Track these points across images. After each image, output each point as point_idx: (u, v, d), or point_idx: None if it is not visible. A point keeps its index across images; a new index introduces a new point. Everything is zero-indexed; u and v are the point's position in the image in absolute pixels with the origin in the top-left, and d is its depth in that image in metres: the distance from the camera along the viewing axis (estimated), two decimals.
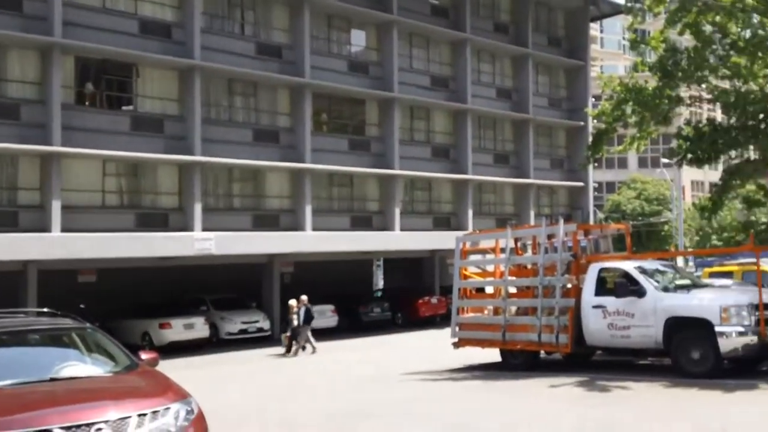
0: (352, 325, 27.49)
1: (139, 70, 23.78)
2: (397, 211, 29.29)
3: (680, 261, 43.26)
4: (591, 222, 35.66)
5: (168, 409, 5.77)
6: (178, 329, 23.37)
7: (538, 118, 34.81)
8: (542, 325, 14.03)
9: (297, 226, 26.62)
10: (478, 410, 10.77)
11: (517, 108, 34.37)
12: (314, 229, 26.64)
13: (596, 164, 39.36)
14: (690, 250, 44.84)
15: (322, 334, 25.40)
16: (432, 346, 19.19)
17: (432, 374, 14.87)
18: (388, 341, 24.53)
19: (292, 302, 21.72)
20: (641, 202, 55.19)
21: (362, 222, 29.06)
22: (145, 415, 5.58)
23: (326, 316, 26.78)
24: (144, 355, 7.13)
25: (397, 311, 29.37)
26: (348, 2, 28.20)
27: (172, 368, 9.12)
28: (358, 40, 29.81)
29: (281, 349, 21.79)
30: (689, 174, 58.20)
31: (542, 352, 14.82)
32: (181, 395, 6.06)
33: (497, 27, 34.29)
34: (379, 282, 38.43)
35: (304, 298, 21.66)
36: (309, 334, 21.41)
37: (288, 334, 21.72)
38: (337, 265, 29.77)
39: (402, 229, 29.29)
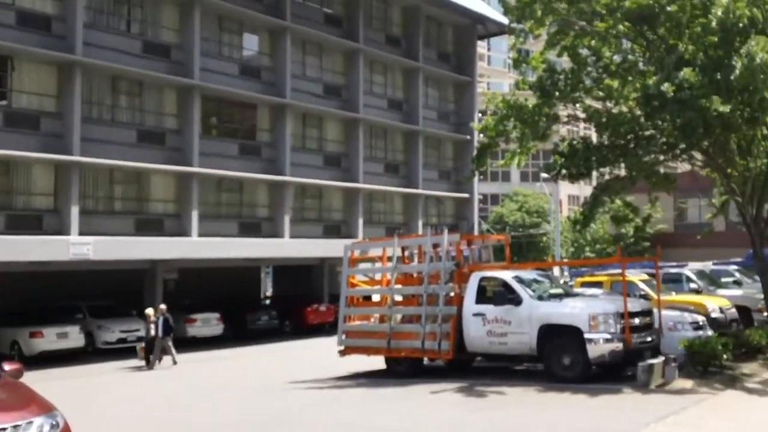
0: (238, 334, 26.97)
1: (14, 64, 22.43)
2: (287, 218, 29.10)
3: (557, 271, 45.37)
4: (476, 232, 36.82)
5: (30, 423, 5.49)
6: (50, 338, 22.12)
7: (427, 130, 35.62)
8: (426, 332, 14.35)
9: (182, 231, 25.89)
10: (358, 417, 10.88)
11: (408, 119, 35.04)
12: (201, 234, 25.98)
13: (481, 177, 40.70)
14: (565, 260, 47.11)
15: (207, 343, 24.85)
16: (319, 355, 19.19)
17: (317, 382, 14.87)
18: (275, 349, 24.29)
19: (149, 311, 20.67)
20: (522, 214, 57.51)
21: (251, 228, 28.65)
22: (5, 429, 5.28)
23: (211, 324, 26.20)
24: (6, 366, 6.73)
25: (285, 319, 29.11)
26: (241, 5, 27.83)
27: (42, 379, 8.66)
28: (251, 44, 29.45)
29: (140, 362, 20.58)
30: (566, 188, 61.21)
31: (426, 358, 15.15)
32: (46, 408, 5.77)
33: (389, 39, 34.86)
34: (268, 289, 37.96)
35: (162, 307, 20.63)
36: (170, 344, 20.29)
37: (143, 345, 20.68)
38: (225, 272, 29.19)
39: (292, 237, 29.11)
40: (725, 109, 12.21)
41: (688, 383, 12.00)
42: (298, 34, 29.98)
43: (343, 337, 15.95)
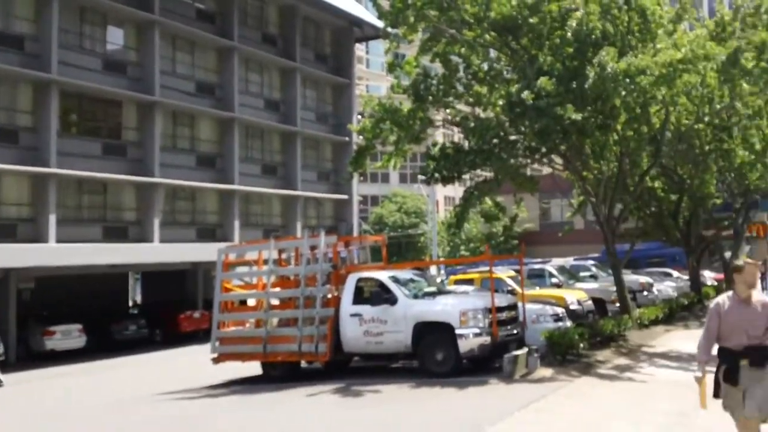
0: (103, 345, 25.67)
1: None
2: (157, 222, 28.16)
3: (434, 270, 46.68)
4: (356, 233, 37.20)
5: None
6: None
7: (305, 131, 35.63)
8: (303, 335, 14.39)
9: (38, 237, 24.38)
10: (231, 425, 10.80)
11: (285, 120, 34.89)
12: (59, 240, 24.56)
13: (361, 178, 41.15)
14: (441, 259, 48.58)
15: (69, 357, 23.49)
16: (193, 363, 18.74)
17: (188, 392, 14.50)
18: (144, 360, 23.41)
19: None
20: (401, 215, 58.67)
21: (117, 233, 27.49)
22: None
23: (72, 336, 24.77)
24: None
25: (155, 328, 28.07)
26: None
27: None
28: (115, 38, 28.24)
29: None
30: (443, 190, 63.04)
31: (303, 362, 15.19)
32: None
33: (266, 38, 34.57)
34: (137, 297, 36.54)
35: None
36: None
37: None
38: (88, 280, 27.76)
39: (162, 241, 28.19)
40: (578, 116, 13.11)
41: (548, 372, 12.79)
42: (167, 28, 29.12)
43: (217, 344, 15.67)
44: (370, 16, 38.08)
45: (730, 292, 6.20)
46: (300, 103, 35.36)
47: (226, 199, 31.75)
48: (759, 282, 19.97)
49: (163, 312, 28.54)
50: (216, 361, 15.68)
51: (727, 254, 34.03)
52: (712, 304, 6.27)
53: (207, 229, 31.30)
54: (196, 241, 30.12)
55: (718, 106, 19.39)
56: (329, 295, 14.55)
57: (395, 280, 14.45)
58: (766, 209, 41.83)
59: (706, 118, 20.22)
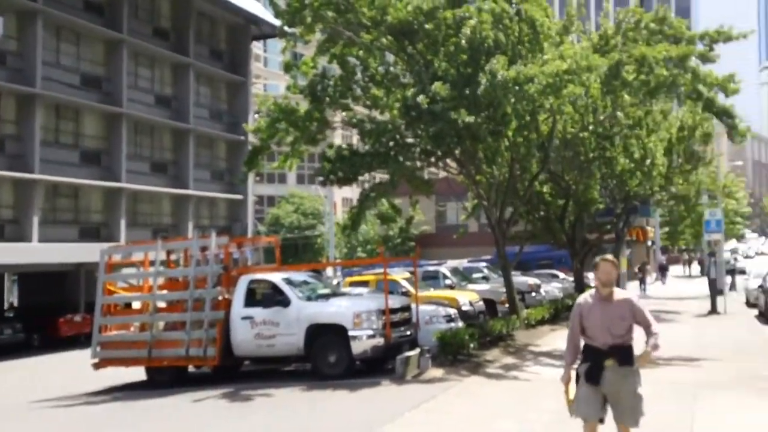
0: None
1: None
2: (36, 220, 26.55)
3: (331, 271, 46.57)
4: (250, 235, 36.54)
5: None
6: None
7: (198, 128, 34.66)
8: (191, 339, 13.94)
9: None
10: None
11: (177, 117, 33.81)
12: None
13: (257, 178, 40.56)
14: (338, 261, 48.57)
15: None
16: (73, 370, 17.77)
17: (65, 400, 13.72)
18: (20, 366, 21.99)
19: None
20: (299, 216, 58.16)
21: None
22: None
23: None
24: None
25: (33, 332, 26.45)
26: None
27: None
28: None
29: None
30: (341, 192, 63.08)
31: (191, 366, 14.72)
32: None
33: (157, 32, 33.38)
34: (14, 299, 34.36)
35: None
36: None
37: None
38: None
39: (41, 240, 26.61)
40: (471, 119, 13.40)
41: (439, 372, 12.98)
42: (51, 18, 27.58)
43: (98, 348, 14.93)
44: (267, 14, 37.54)
45: (593, 291, 6.07)
46: (193, 100, 34.36)
47: (111, 197, 30.38)
48: (641, 281, 20.80)
49: (41, 315, 26.91)
50: (97, 366, 14.94)
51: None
52: (575, 303, 6.16)
53: (91, 228, 29.83)
54: (79, 241, 28.64)
55: (601, 116, 20.43)
56: (220, 298, 14.17)
57: (288, 281, 14.26)
58: (644, 215, 44.51)
59: (591, 127, 21.26)
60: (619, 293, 5.97)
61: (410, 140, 16.01)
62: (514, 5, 14.58)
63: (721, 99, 17.62)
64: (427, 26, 14.62)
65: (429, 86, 13.82)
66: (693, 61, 16.77)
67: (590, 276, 34.43)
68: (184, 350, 13.93)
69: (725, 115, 17.38)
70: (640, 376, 5.93)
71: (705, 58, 17.01)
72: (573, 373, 6.04)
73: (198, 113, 34.87)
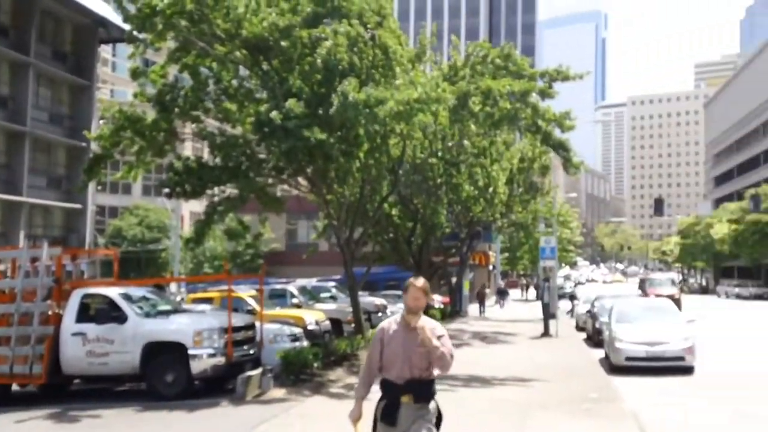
0: None
1: None
2: None
3: (174, 287, 44.90)
4: (88, 246, 34.49)
5: None
6: None
7: (36, 132, 32.40)
8: (15, 355, 12.93)
9: None
10: None
11: (13, 118, 31.44)
12: None
13: (100, 188, 38.41)
14: (183, 276, 46.97)
15: None
16: None
17: None
18: None
19: None
20: (143, 229, 55.66)
21: None
22: None
23: None
24: None
25: None
26: None
27: None
28: None
29: None
30: (189, 205, 61.11)
31: (15, 384, 13.63)
32: None
33: None
34: None
35: None
36: None
37: None
38: None
39: None
40: (323, 136, 13.53)
41: (281, 392, 12.86)
42: None
43: None
44: (116, 17, 35.88)
45: (398, 316, 5.41)
46: (32, 102, 32.13)
47: None
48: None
49: None
50: None
51: (453, 279, 37.41)
52: (377, 328, 5.44)
53: None
54: None
55: (449, 143, 21.34)
56: (49, 312, 13.25)
57: (126, 297, 13.61)
58: (487, 240, 46.83)
59: (439, 154, 22.15)
60: (426, 322, 5.28)
61: (262, 156, 15.88)
62: (369, 31, 14.93)
63: (558, 134, 19.00)
64: (282, 43, 14.62)
65: (283, 103, 13.80)
66: (534, 97, 17.97)
67: (436, 298, 35.77)
68: (7, 367, 12.91)
69: (561, 149, 18.75)
70: (433, 414, 5.32)
71: (545, 95, 18.28)
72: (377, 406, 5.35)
73: (36, 115, 32.62)
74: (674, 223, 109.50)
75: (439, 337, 5.22)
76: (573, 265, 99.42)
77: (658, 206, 58.97)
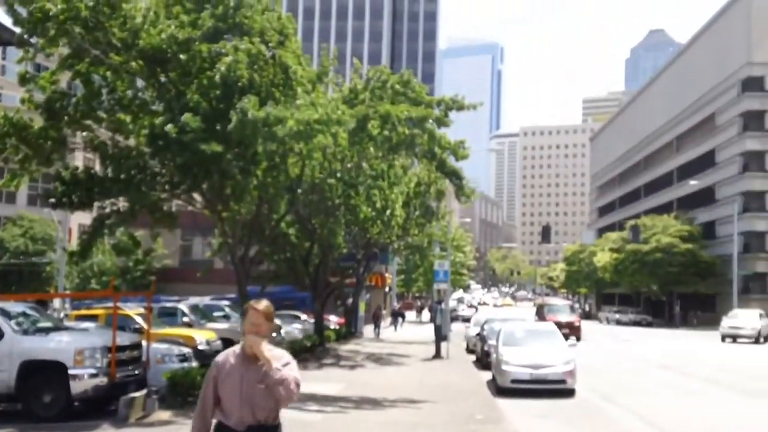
0: None
1: None
2: None
3: (58, 303, 42.70)
4: None
5: None
6: None
7: None
8: None
9: None
10: None
11: None
12: None
13: None
14: (67, 292, 44.74)
15: None
16: None
17: None
18: None
19: None
20: (27, 241, 52.68)
21: None
22: None
23: None
24: None
25: None
26: None
27: None
28: None
29: None
30: (79, 218, 58.39)
31: None
32: None
33: None
34: None
35: None
36: None
37: None
38: None
39: None
40: (219, 149, 13.37)
41: (167, 414, 12.47)
42: None
43: None
44: (7, 19, 34.09)
45: (237, 347, 4.59)
46: None
47: None
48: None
49: None
50: None
51: (350, 300, 37.55)
52: (212, 363, 4.62)
53: None
54: None
55: (348, 165, 21.51)
56: None
57: (3, 312, 12.85)
58: (383, 262, 47.35)
59: (338, 175, 22.28)
60: (269, 351, 4.43)
61: (156, 169, 15.48)
62: (270, 49, 14.93)
63: (453, 161, 19.55)
64: (181, 57, 14.39)
65: (179, 116, 13.55)
66: (430, 124, 18.44)
67: (333, 318, 35.75)
68: None
69: (455, 177, 19.31)
70: None
71: (440, 123, 18.80)
72: None
73: None
74: (561, 250, 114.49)
75: (284, 365, 4.37)
76: (466, 288, 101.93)
77: (545, 234, 61.67)
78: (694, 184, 63.27)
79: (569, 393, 16.33)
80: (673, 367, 23.62)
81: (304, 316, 31.69)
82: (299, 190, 19.96)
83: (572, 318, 37.64)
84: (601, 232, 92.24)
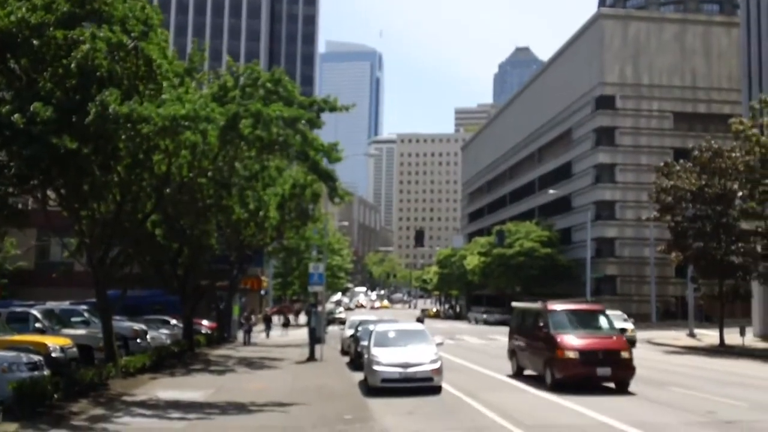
0: None
1: None
2: None
3: None
4: None
5: None
6: None
7: None
8: None
9: None
10: None
11: None
12: None
13: None
14: None
15: None
16: None
17: None
18: None
19: None
20: None
21: None
22: None
23: None
24: None
25: None
26: None
27: None
28: None
29: None
30: None
31: None
32: None
33: None
34: None
35: None
36: None
37: None
38: None
39: None
40: (73, 145, 12.53)
41: (13, 426, 11.52)
42: None
43: None
44: None
45: None
46: None
47: None
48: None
49: None
50: None
51: (222, 305, 36.53)
52: None
53: None
54: None
55: (220, 164, 20.85)
56: None
57: None
58: (258, 264, 46.48)
59: (209, 174, 21.54)
60: None
61: (1, 160, 14.27)
62: (132, 39, 14.16)
63: (327, 164, 19.38)
64: (33, 42, 13.37)
65: (29, 105, 12.56)
66: (304, 125, 18.18)
67: (204, 323, 34.57)
68: None
69: (328, 178, 19.16)
70: None
71: (313, 124, 18.60)
72: None
73: None
74: (435, 253, 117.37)
75: None
76: (344, 291, 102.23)
77: (419, 238, 62.96)
78: (552, 193, 66.88)
79: (436, 390, 16.63)
80: None
81: (173, 321, 30.47)
82: (167, 189, 19.10)
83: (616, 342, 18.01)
84: (472, 236, 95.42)
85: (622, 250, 64.19)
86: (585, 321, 18.56)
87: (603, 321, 18.61)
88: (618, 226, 64.33)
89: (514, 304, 23.27)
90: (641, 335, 37.84)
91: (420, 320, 40.00)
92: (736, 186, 31.95)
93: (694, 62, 66.29)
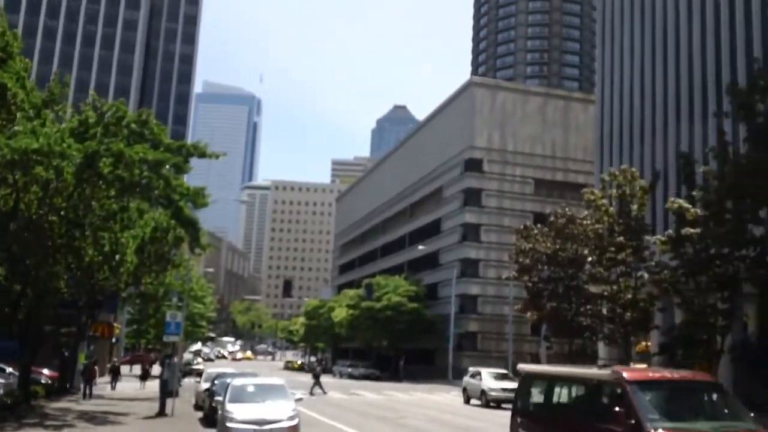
0: None
1: None
2: None
3: None
4: None
5: None
6: None
7: None
8: None
9: None
10: None
11: None
12: None
13: None
14: None
15: None
16: None
17: None
18: None
19: None
20: None
21: None
22: None
23: None
24: None
25: None
26: None
27: None
28: None
29: None
30: None
31: None
32: None
33: None
34: None
35: None
36: None
37: None
38: None
39: None
40: None
41: None
42: None
43: None
44: None
45: None
46: None
47: None
48: None
49: None
50: None
51: (67, 353, 33.97)
52: None
53: None
54: None
55: (75, 202, 19.68)
56: None
57: None
58: (111, 310, 43.90)
59: (62, 212, 20.25)
60: None
61: None
62: None
63: (192, 209, 18.78)
64: None
65: None
66: (168, 170, 17.57)
67: (46, 372, 31.87)
68: None
69: (191, 227, 18.55)
70: None
71: (180, 169, 18.04)
72: None
73: None
74: (303, 304, 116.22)
75: None
76: (206, 340, 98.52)
77: (287, 288, 62.18)
78: (422, 249, 68.55)
79: None
80: (389, 419, 24.62)
81: (9, 369, 27.93)
82: (12, 226, 17.72)
83: None
84: (341, 288, 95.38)
85: (483, 307, 66.40)
86: (689, 403, 10.73)
87: (719, 403, 10.77)
88: (481, 283, 66.63)
89: (522, 366, 14.40)
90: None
91: (317, 376, 39.29)
92: (586, 251, 34.04)
93: (554, 133, 70.93)
